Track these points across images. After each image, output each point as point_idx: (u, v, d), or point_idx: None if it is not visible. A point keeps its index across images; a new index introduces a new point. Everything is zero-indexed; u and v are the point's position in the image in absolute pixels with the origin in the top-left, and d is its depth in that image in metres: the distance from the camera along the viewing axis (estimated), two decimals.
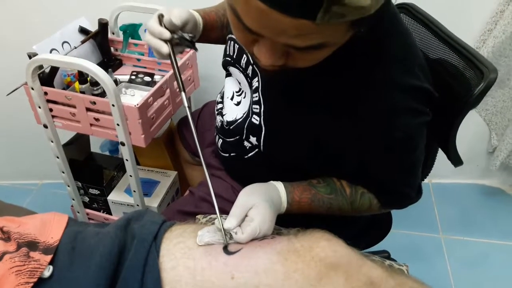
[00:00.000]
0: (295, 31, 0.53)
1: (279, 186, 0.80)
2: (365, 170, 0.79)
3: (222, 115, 0.97)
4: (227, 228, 0.71)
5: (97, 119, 1.12)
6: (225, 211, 0.96)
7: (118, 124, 1.08)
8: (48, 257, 0.70)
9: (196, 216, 0.96)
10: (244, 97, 0.91)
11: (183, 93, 0.81)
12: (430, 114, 0.75)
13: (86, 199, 1.39)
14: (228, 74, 0.98)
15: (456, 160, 0.93)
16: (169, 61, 0.83)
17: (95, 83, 1.12)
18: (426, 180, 1.90)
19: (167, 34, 0.81)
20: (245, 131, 0.88)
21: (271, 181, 0.81)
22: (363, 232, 1.05)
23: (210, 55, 1.28)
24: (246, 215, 0.73)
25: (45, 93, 1.12)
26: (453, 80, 0.90)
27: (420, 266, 1.54)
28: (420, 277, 1.53)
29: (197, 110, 1.33)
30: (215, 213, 0.74)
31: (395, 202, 0.85)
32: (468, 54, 0.87)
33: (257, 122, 0.83)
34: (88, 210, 1.40)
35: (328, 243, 0.69)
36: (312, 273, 0.67)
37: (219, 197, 0.98)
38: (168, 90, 1.20)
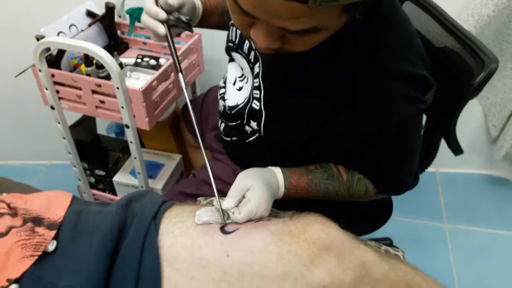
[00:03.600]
0: (288, 14, 0.54)
1: (277, 171, 0.82)
2: (361, 156, 0.80)
3: (224, 100, 0.99)
4: (225, 208, 0.73)
5: (102, 102, 1.14)
6: (226, 194, 0.99)
7: (122, 107, 1.10)
8: (52, 232, 0.73)
9: (197, 198, 0.98)
10: (246, 83, 0.93)
11: (180, 75, 0.82)
12: (426, 101, 0.76)
13: (92, 180, 1.42)
14: (231, 60, 0.99)
15: (456, 149, 0.93)
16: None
17: (100, 66, 1.14)
18: (432, 169, 1.91)
19: (163, 15, 0.83)
20: (246, 116, 0.89)
21: (269, 166, 0.83)
22: (363, 217, 1.07)
23: (215, 39, 1.29)
24: (243, 197, 0.75)
25: (52, 75, 1.14)
26: (456, 69, 0.90)
27: (423, 255, 1.57)
28: (422, 265, 1.55)
29: (202, 95, 1.34)
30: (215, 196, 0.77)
31: (391, 188, 0.87)
32: (470, 42, 0.87)
33: (257, 107, 0.85)
34: (94, 191, 1.43)
35: (321, 226, 0.71)
36: (304, 254, 0.69)
37: (220, 180, 1.00)
38: (172, 74, 1.22)
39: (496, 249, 1.59)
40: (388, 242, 1.52)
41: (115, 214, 0.74)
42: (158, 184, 1.34)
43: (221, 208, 0.73)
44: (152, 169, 1.37)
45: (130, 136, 1.16)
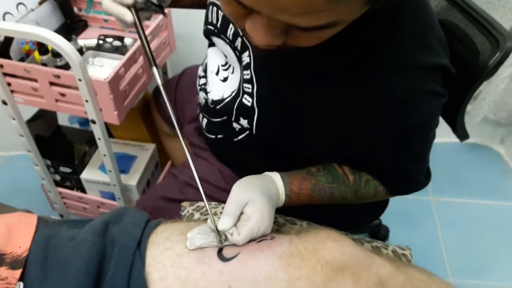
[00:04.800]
0: (300, 9, 0.42)
1: (276, 177, 0.72)
2: (373, 158, 0.71)
3: (206, 92, 0.86)
4: (221, 229, 0.63)
5: (62, 94, 0.99)
6: (213, 198, 0.89)
7: (86, 101, 0.96)
8: (17, 272, 0.61)
9: (182, 204, 0.88)
10: (232, 73, 0.80)
11: (154, 69, 0.70)
12: (447, 94, 0.67)
13: (58, 177, 1.28)
14: (211, 44, 0.86)
15: (463, 134, 0.86)
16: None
17: (57, 54, 0.98)
18: None
19: None
20: (234, 113, 0.78)
21: (266, 172, 0.72)
22: (359, 214, 0.99)
23: (187, 12, 1.14)
24: (242, 212, 0.65)
25: (1, 66, 0.98)
26: (462, 48, 0.81)
27: (410, 230, 1.53)
28: (410, 240, 1.52)
29: (174, 78, 1.21)
30: (203, 200, 0.66)
31: (403, 188, 0.78)
32: (482, 20, 0.78)
33: (249, 104, 0.73)
34: (60, 189, 1.30)
35: (335, 244, 0.62)
36: (318, 278, 0.60)
37: (205, 182, 0.89)
38: (141, 58, 1.07)
39: (482, 220, 1.57)
40: (377, 222, 1.47)
41: (91, 245, 0.62)
42: (132, 179, 1.22)
43: (217, 230, 0.63)
44: (123, 163, 1.25)
45: (97, 132, 1.02)
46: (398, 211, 1.58)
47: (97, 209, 1.31)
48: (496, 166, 1.75)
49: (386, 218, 1.40)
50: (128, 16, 0.70)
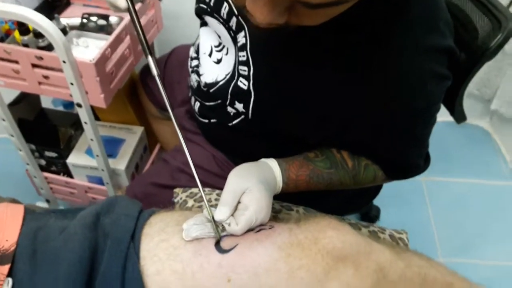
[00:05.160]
0: None
1: (273, 164, 0.69)
2: (374, 142, 0.69)
3: (199, 75, 0.82)
4: (218, 220, 0.60)
5: (46, 77, 0.94)
6: (206, 184, 0.86)
7: (72, 84, 0.91)
8: (6, 268, 0.58)
9: (174, 190, 0.85)
10: (226, 54, 0.77)
11: (150, 58, 0.66)
12: (451, 77, 0.65)
13: (43, 162, 1.24)
14: (204, 23, 0.82)
15: (460, 116, 0.84)
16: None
17: (39, 34, 0.93)
18: None
19: None
20: (229, 96, 0.75)
21: (263, 159, 0.70)
22: (352, 198, 0.98)
23: None
24: (239, 202, 0.63)
25: None
26: (464, 31, 0.78)
27: (401, 210, 1.53)
28: (401, 220, 1.52)
29: (162, 58, 1.16)
30: (196, 186, 0.64)
31: (403, 173, 0.77)
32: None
33: (245, 87, 0.70)
34: (46, 174, 1.25)
35: (336, 233, 0.61)
36: (318, 268, 0.59)
37: (198, 168, 0.85)
38: (128, 37, 1.03)
39: (473, 199, 1.58)
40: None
41: (82, 238, 0.60)
42: (120, 164, 1.18)
43: (214, 220, 0.61)
44: (111, 146, 1.21)
45: (83, 116, 0.98)
46: (389, 191, 1.57)
47: (84, 194, 1.28)
48: (485, 145, 1.76)
49: (377, 198, 1.39)
50: (121, 1, 0.65)
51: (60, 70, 0.90)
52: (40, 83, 0.96)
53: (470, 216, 1.52)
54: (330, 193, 0.80)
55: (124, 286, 0.57)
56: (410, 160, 0.73)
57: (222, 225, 0.61)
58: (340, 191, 0.82)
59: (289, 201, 0.83)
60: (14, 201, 0.88)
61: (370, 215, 1.49)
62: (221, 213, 0.60)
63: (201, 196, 0.82)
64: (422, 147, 0.73)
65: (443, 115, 0.85)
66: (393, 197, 1.56)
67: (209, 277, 0.58)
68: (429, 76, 0.61)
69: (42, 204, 1.37)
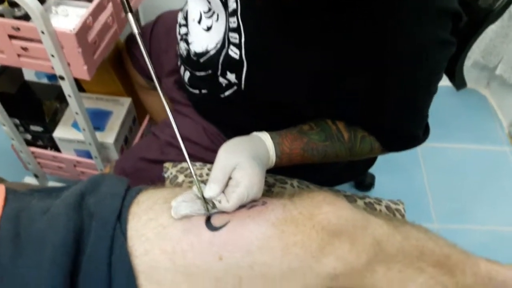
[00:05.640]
0: None
1: (265, 137, 0.66)
2: (372, 113, 0.66)
3: (188, 43, 0.78)
4: (208, 197, 0.58)
5: (25, 49, 0.89)
6: (197, 158, 0.83)
7: (52, 55, 0.86)
8: None
9: (164, 165, 0.82)
10: (217, 20, 0.72)
11: (130, 15, 0.62)
12: (455, 43, 0.61)
13: (29, 136, 1.20)
14: None
15: (460, 83, 0.81)
16: None
17: (15, 3, 0.87)
18: None
19: None
20: (220, 66, 0.70)
21: (255, 133, 0.67)
22: (346, 169, 0.95)
23: None
24: (229, 178, 0.60)
25: None
26: None
27: (396, 177, 1.52)
28: (396, 187, 1.51)
29: (148, 25, 1.10)
30: (185, 161, 0.61)
31: (401, 145, 0.74)
32: None
33: (237, 56, 0.66)
34: (32, 149, 1.22)
35: (331, 208, 0.58)
36: (313, 244, 0.57)
37: (188, 141, 0.83)
38: (110, 4, 0.97)
39: (468, 165, 1.56)
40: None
41: (66, 219, 0.57)
42: (108, 137, 1.15)
43: (204, 198, 0.58)
44: (98, 119, 1.17)
45: (66, 89, 0.94)
46: (384, 158, 1.56)
47: (73, 168, 1.25)
48: (482, 110, 1.74)
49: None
50: None
51: (40, 41, 0.86)
52: (19, 55, 0.91)
53: (466, 182, 1.51)
54: (325, 165, 0.78)
55: (111, 268, 0.55)
56: (408, 131, 0.70)
57: (213, 202, 0.59)
58: (335, 162, 0.79)
59: (283, 174, 0.81)
60: (0, 179, 0.85)
61: (365, 183, 1.48)
62: (211, 190, 0.58)
63: (192, 173, 0.79)
64: (422, 117, 0.70)
65: (442, 80, 0.82)
66: (388, 164, 1.54)
67: (200, 256, 0.55)
68: (433, 43, 0.58)
69: (31, 179, 1.34)
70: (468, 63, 1.66)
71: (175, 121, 0.83)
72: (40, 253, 0.55)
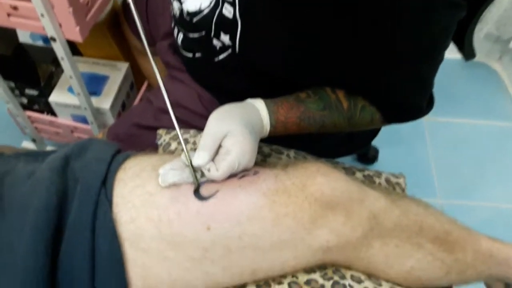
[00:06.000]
0: None
1: (260, 105, 0.63)
2: (374, 80, 0.62)
3: (181, 2, 0.73)
4: (197, 165, 0.55)
5: (15, 8, 0.86)
6: (191, 125, 0.80)
7: (42, 15, 0.83)
8: None
9: (157, 131, 0.79)
10: None
11: None
12: (466, 7, 0.57)
13: (24, 100, 1.18)
14: None
15: (469, 53, 0.76)
16: None
17: None
18: None
19: None
20: (213, 27, 0.67)
21: (248, 99, 0.63)
22: (347, 139, 0.92)
23: None
24: (220, 146, 0.57)
25: None
26: None
27: (400, 151, 1.49)
28: (400, 162, 1.48)
29: None
30: (180, 128, 0.58)
31: (403, 116, 0.70)
32: None
33: (231, 16, 0.62)
34: (29, 113, 1.19)
35: (325, 179, 0.56)
36: (305, 216, 0.55)
37: (182, 108, 0.80)
38: None
39: (474, 140, 1.52)
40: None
41: (49, 183, 0.55)
42: (104, 102, 1.12)
43: (192, 166, 0.55)
44: (94, 84, 1.14)
45: (59, 51, 0.91)
46: (389, 131, 1.52)
47: (71, 134, 1.23)
48: (493, 85, 1.68)
49: (375, 138, 1.35)
50: None
51: (29, 0, 0.82)
52: (9, 14, 0.88)
53: (471, 158, 1.47)
54: (324, 135, 0.75)
55: (95, 235, 0.53)
56: (411, 101, 0.66)
57: (202, 170, 0.56)
58: (334, 133, 0.76)
59: (279, 144, 0.78)
60: None
61: (368, 156, 1.45)
62: (199, 158, 0.55)
63: (185, 138, 0.76)
64: (426, 87, 0.66)
65: (449, 52, 0.78)
66: (392, 137, 1.51)
67: (187, 225, 0.53)
68: (443, 5, 0.53)
69: (29, 144, 1.32)
70: (480, 34, 1.60)
71: (169, 86, 0.80)
72: (23, 217, 0.53)
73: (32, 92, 1.14)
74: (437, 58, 0.61)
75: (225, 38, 0.66)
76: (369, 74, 0.62)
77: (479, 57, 1.72)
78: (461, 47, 0.76)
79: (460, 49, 0.78)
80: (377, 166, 1.45)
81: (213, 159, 0.56)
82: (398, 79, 0.62)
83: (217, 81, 0.76)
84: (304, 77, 0.65)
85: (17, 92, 1.15)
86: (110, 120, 1.15)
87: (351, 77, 0.63)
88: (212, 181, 0.56)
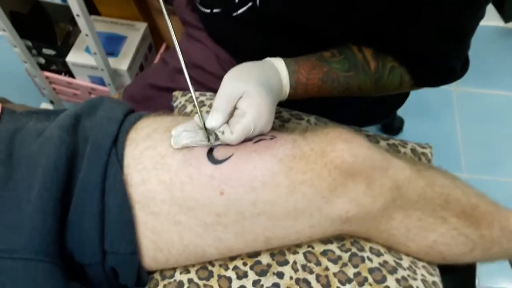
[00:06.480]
0: None
1: (279, 64, 0.59)
2: (406, 36, 0.58)
3: None
4: (210, 127, 0.52)
5: None
6: (208, 88, 0.77)
7: None
8: None
9: (173, 93, 0.77)
10: None
11: None
12: None
13: (42, 60, 1.16)
14: None
15: (510, 14, 0.70)
16: None
17: None
18: None
19: None
20: None
21: (268, 58, 0.59)
22: (377, 105, 0.87)
23: None
24: (235, 108, 0.54)
25: None
26: None
27: (427, 122, 1.43)
28: (426, 134, 1.42)
29: None
30: (196, 89, 0.56)
31: (435, 78, 0.64)
32: None
33: None
34: (46, 73, 1.18)
35: (346, 146, 0.52)
36: (323, 184, 0.52)
37: (199, 69, 0.77)
38: None
39: (505, 113, 1.45)
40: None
41: (59, 142, 0.53)
42: (122, 63, 1.09)
43: (206, 128, 0.52)
44: (112, 44, 1.11)
45: (74, 7, 0.88)
46: (415, 101, 1.45)
47: (88, 96, 1.21)
48: None
49: (401, 108, 1.29)
50: None
51: None
52: None
53: (501, 132, 1.40)
54: (347, 100, 0.70)
55: (105, 196, 0.52)
56: (446, 60, 0.61)
57: (216, 133, 0.53)
58: (359, 99, 0.71)
59: (300, 110, 0.74)
60: (5, 101, 0.82)
61: (392, 127, 1.40)
62: (213, 120, 0.52)
63: (201, 101, 0.73)
64: (463, 45, 0.60)
65: (486, 19, 0.71)
66: (419, 108, 1.45)
67: (200, 189, 0.51)
68: None
69: (47, 106, 1.32)
70: None
71: (186, 46, 0.77)
72: (31, 176, 0.52)
73: (50, 51, 1.12)
74: (478, 11, 0.56)
75: None
76: (402, 28, 0.57)
77: None
78: (501, 7, 0.70)
79: (500, 11, 0.71)
80: (402, 137, 1.39)
81: (227, 122, 0.53)
82: (433, 33, 0.57)
83: (235, 39, 0.72)
84: (331, 29, 0.60)
85: (34, 52, 1.14)
86: (128, 82, 1.13)
87: (381, 28, 0.58)
88: (227, 144, 0.53)
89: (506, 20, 0.72)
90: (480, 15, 0.56)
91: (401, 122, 1.40)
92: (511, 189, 1.30)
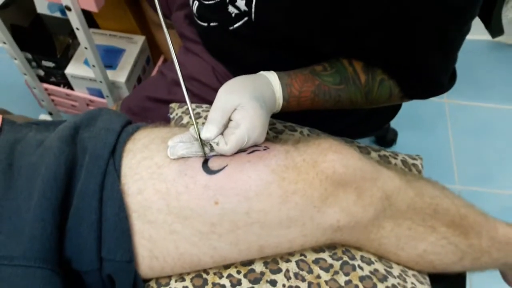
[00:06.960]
0: None
1: (272, 77, 0.61)
2: (395, 50, 0.60)
3: None
4: (205, 138, 0.54)
5: None
6: (205, 100, 0.79)
7: None
8: None
9: (170, 105, 0.78)
10: None
11: None
12: None
13: (41, 72, 1.18)
14: None
15: (496, 29, 0.73)
16: None
17: None
18: None
19: None
20: None
21: (261, 72, 0.62)
22: (364, 119, 0.89)
23: None
24: (230, 119, 0.56)
25: None
26: None
27: (420, 134, 1.45)
28: (419, 145, 1.44)
29: None
30: (192, 102, 0.57)
31: (423, 91, 0.67)
32: None
33: None
34: (46, 85, 1.20)
35: (337, 156, 0.54)
36: (315, 193, 0.53)
37: (196, 81, 0.79)
38: None
39: (497, 125, 1.47)
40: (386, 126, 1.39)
41: (58, 152, 0.54)
42: (120, 76, 1.11)
43: (201, 139, 0.54)
44: (110, 57, 1.13)
45: (74, 21, 0.90)
46: (408, 113, 1.48)
47: (86, 107, 1.23)
48: None
49: (394, 120, 1.30)
50: None
51: None
52: None
53: (493, 144, 1.43)
54: (340, 113, 0.72)
55: (103, 205, 0.53)
56: (433, 74, 0.63)
57: (211, 144, 0.55)
58: (352, 111, 0.73)
59: (294, 122, 0.76)
60: (5, 112, 0.83)
61: (386, 139, 1.41)
62: (207, 131, 0.54)
63: (197, 113, 0.75)
64: (450, 58, 0.63)
65: (474, 33, 0.74)
66: (412, 120, 1.47)
67: (195, 199, 0.53)
68: None
69: (45, 117, 1.33)
70: (509, 14, 1.53)
71: (183, 59, 0.79)
72: (31, 186, 0.53)
73: (49, 63, 1.14)
74: (464, 26, 0.58)
75: (241, 4, 0.64)
76: (390, 41, 0.59)
77: (506, 39, 1.65)
78: (488, 23, 0.72)
79: (487, 26, 0.74)
80: (395, 149, 1.41)
81: (222, 133, 0.55)
82: (421, 47, 0.59)
83: (231, 52, 0.74)
84: (323, 43, 0.62)
85: (34, 64, 1.16)
86: (126, 94, 1.14)
87: (371, 44, 0.60)
88: (221, 155, 0.55)
89: (493, 35, 0.75)
90: (466, 29, 0.59)
91: (394, 134, 1.42)
92: (504, 201, 1.31)
